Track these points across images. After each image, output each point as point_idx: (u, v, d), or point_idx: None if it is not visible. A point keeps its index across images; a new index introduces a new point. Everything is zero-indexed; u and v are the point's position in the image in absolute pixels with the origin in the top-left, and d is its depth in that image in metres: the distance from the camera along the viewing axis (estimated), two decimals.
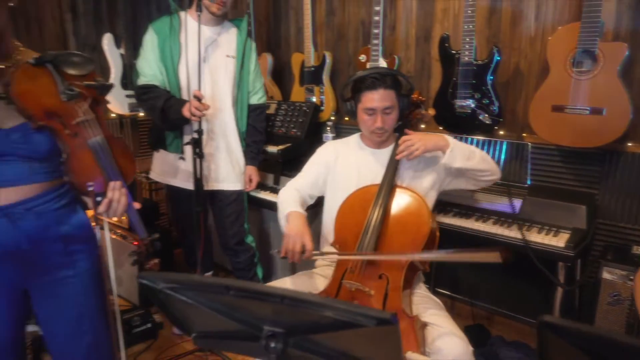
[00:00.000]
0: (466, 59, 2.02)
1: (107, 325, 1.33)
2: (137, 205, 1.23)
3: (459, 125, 2.10)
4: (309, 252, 1.48)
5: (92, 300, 1.28)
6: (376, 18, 2.26)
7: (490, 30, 2.13)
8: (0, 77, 1.11)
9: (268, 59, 2.93)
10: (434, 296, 1.63)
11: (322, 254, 1.63)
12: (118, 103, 2.82)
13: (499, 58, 2.00)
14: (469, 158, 1.58)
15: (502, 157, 2.03)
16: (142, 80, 2.06)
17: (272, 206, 2.27)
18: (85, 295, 1.26)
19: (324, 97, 2.63)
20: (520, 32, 2.07)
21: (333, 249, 1.61)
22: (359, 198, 1.61)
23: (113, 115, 2.84)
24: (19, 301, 1.23)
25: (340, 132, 2.62)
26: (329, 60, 2.60)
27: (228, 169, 2.15)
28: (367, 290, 1.44)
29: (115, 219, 1.72)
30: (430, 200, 1.69)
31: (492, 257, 1.27)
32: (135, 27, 2.91)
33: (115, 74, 2.81)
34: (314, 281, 1.68)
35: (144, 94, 2.04)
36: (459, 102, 2.07)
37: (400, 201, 1.56)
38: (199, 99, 1.88)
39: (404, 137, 1.59)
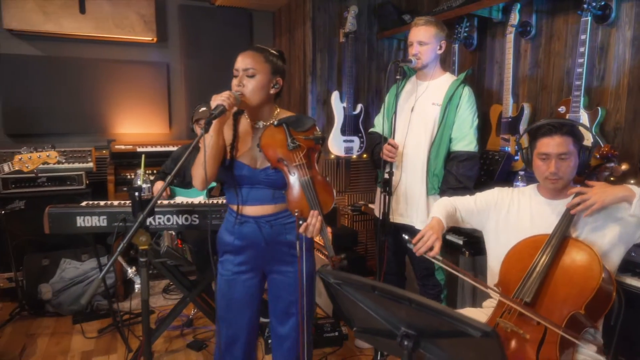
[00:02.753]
0: None
1: (308, 316, 1.73)
2: (329, 230, 1.59)
3: None
4: (435, 252, 1.63)
5: (298, 293, 1.69)
6: (579, 70, 2.23)
7: None
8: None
9: None
10: None
11: (444, 262, 1.65)
12: (336, 146, 3.46)
13: None
14: None
15: None
16: (371, 129, 2.71)
17: (456, 246, 2.41)
18: (295, 287, 1.70)
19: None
20: None
21: (494, 287, 1.68)
22: (528, 246, 1.65)
23: (332, 156, 3.48)
24: (261, 276, 1.75)
25: (533, 181, 2.57)
26: (527, 111, 2.63)
27: (412, 207, 2.38)
28: (522, 333, 1.48)
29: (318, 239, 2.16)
30: (615, 257, 1.60)
31: None
32: (356, 86, 3.54)
33: (337, 123, 3.46)
34: (479, 317, 1.77)
35: (368, 139, 2.79)
36: None
37: (570, 253, 1.55)
38: (392, 145, 2.27)
39: (580, 189, 1.58)
